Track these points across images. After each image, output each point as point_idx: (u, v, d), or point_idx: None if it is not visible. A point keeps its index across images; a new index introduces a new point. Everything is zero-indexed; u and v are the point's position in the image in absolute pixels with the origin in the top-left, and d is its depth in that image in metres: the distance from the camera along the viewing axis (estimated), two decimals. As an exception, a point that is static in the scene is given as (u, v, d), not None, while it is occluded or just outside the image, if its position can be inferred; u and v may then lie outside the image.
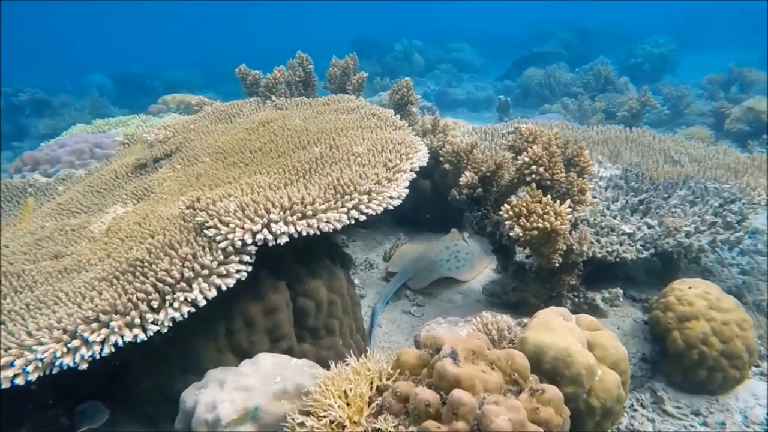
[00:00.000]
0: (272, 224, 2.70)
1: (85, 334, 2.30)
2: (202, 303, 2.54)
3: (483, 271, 4.88)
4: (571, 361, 2.54)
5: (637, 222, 4.29)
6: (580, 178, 3.46)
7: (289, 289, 3.10)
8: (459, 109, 14.42)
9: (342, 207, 2.93)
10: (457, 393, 1.99)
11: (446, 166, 4.14)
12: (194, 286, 2.53)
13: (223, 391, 2.45)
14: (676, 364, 3.48)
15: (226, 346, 2.93)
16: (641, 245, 4.01)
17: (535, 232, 3.09)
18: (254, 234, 2.69)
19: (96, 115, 12.78)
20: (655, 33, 16.52)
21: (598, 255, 3.83)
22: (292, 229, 2.73)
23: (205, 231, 2.76)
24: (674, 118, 10.20)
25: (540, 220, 3.08)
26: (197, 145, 4.46)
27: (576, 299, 3.82)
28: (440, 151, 4.32)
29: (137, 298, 2.47)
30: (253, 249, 2.72)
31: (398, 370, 2.37)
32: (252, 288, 2.95)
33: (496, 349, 2.32)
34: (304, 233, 2.77)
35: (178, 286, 2.52)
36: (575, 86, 12.76)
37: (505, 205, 3.29)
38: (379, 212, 3.04)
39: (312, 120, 4.42)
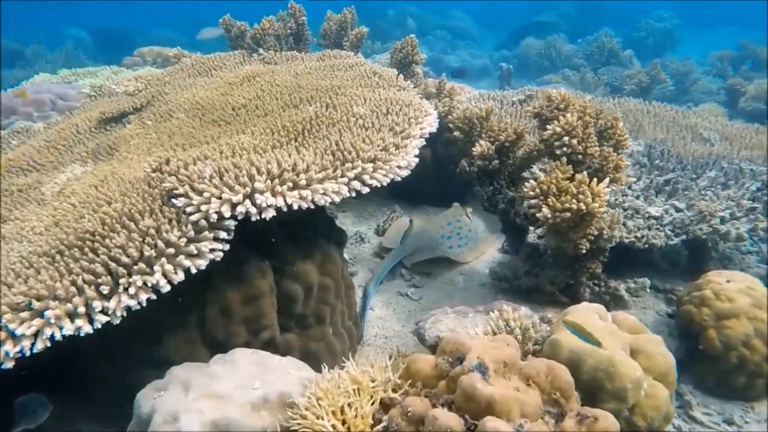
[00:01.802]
0: (256, 195, 2.19)
1: (12, 326, 1.80)
2: (166, 288, 2.05)
3: (487, 252, 4.43)
4: (615, 372, 2.11)
5: (663, 204, 3.86)
6: (615, 153, 2.99)
7: (275, 271, 2.62)
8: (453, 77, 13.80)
9: (342, 177, 2.43)
10: (492, 424, 1.54)
11: (456, 133, 3.65)
12: (156, 267, 2.03)
13: (188, 398, 1.97)
14: (710, 366, 3.08)
15: (198, 337, 2.45)
16: (670, 230, 3.58)
17: (567, 214, 2.63)
18: (234, 206, 2.18)
19: (69, 68, 11.93)
20: (659, 7, 15.94)
21: (626, 240, 3.40)
22: (280, 202, 2.23)
23: (174, 200, 2.25)
24: (680, 95, 9.75)
25: (574, 200, 2.61)
26: (172, 99, 3.88)
27: (597, 288, 3.39)
28: (450, 117, 3.82)
29: (83, 281, 1.96)
30: (231, 224, 2.22)
31: (408, 381, 1.91)
32: (230, 270, 2.46)
33: (533, 360, 1.87)
34: (295, 206, 2.27)
35: (135, 267, 2.02)
36: (577, 58, 12.21)
37: (531, 181, 2.82)
38: (384, 183, 2.54)
39: (304, 76, 3.86)
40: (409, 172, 2.72)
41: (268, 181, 2.23)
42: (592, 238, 2.88)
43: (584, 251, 2.97)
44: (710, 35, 18.39)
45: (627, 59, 11.35)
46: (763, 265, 4.43)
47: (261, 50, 4.60)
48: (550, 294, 3.47)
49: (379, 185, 2.52)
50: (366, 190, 2.48)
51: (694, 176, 4.14)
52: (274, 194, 2.24)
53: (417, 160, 2.80)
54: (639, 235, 3.38)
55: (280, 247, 2.64)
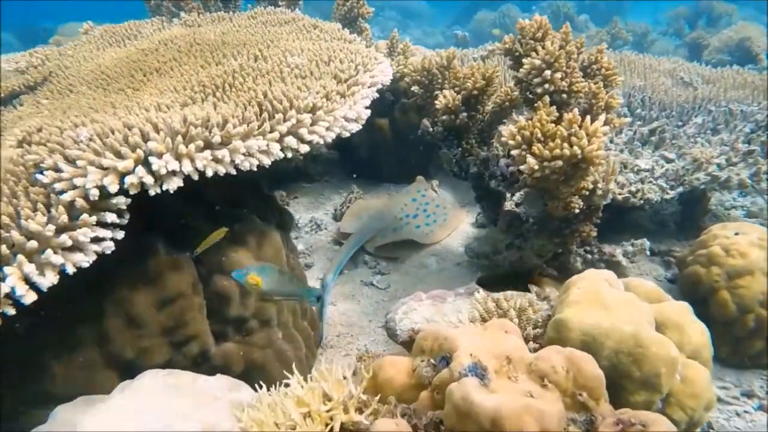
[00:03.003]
0: (153, 159, 1.60)
1: None
2: (29, 299, 1.45)
3: (459, 228, 3.93)
4: (643, 354, 1.62)
5: (651, 156, 3.43)
6: (605, 91, 2.50)
7: (199, 264, 2.04)
8: (407, 56, 13.26)
9: (271, 131, 1.86)
10: (506, 456, 1.01)
11: (415, 88, 3.11)
12: (9, 270, 1.43)
13: (72, 450, 1.39)
14: (723, 333, 2.63)
15: (99, 358, 1.85)
16: (664, 183, 3.14)
17: (559, 162, 2.12)
18: (121, 175, 1.59)
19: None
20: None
21: (619, 197, 2.93)
22: (187, 167, 1.65)
23: (39, 176, 1.64)
24: (639, 56, 9.47)
25: (565, 144, 2.11)
26: (73, 73, 3.22)
27: (590, 256, 2.92)
28: (405, 70, 3.27)
29: None
30: (122, 201, 1.63)
31: (378, 396, 1.37)
32: (135, 266, 1.87)
33: (546, 351, 1.36)
34: (209, 173, 1.70)
35: (-24, 272, 1.41)
36: (531, 27, 11.79)
37: (509, 127, 2.31)
38: (329, 140, 1.99)
39: (232, 34, 3.25)
40: (361, 127, 2.18)
41: (168, 139, 1.64)
42: (587, 193, 2.39)
43: (577, 211, 2.48)
44: (659, 3, 18.39)
45: (583, 24, 11.03)
46: (749, 219, 4.07)
47: (183, 13, 3.95)
48: (537, 268, 2.98)
49: (321, 141, 1.96)
50: (305, 148, 1.92)
51: (680, 123, 3.73)
52: (178, 157, 1.65)
53: (368, 112, 2.25)
54: (633, 189, 2.92)
55: (203, 232, 2.05)
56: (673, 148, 3.46)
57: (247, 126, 1.80)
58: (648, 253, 2.95)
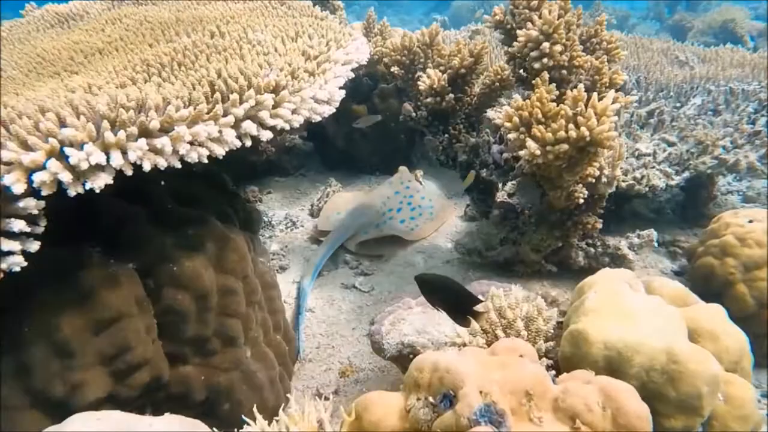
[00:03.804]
0: (71, 150, 1.27)
1: None
2: None
3: (447, 221, 3.65)
4: (679, 371, 1.35)
5: (650, 139, 3.18)
6: (608, 65, 2.23)
7: (145, 275, 1.71)
8: (384, 45, 12.94)
9: (225, 115, 1.53)
10: None
11: (395, 69, 2.80)
12: None
13: None
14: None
15: (21, 396, 1.52)
16: (668, 168, 2.89)
17: (564, 146, 1.84)
18: (29, 171, 1.25)
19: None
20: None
21: (623, 184, 2.67)
22: (118, 160, 1.32)
23: (-73, 175, 1.29)
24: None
25: (571, 125, 1.82)
26: (5, 56, 2.84)
27: (593, 250, 2.66)
28: (384, 49, 2.95)
29: None
30: (32, 205, 1.29)
31: (362, 446, 1.07)
32: (63, 283, 1.54)
33: (575, 385, 1.07)
34: (147, 166, 1.37)
35: None
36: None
37: (505, 108, 2.01)
38: (296, 125, 1.67)
39: (189, 11, 2.90)
40: (334, 110, 1.86)
41: (91, 126, 1.31)
42: (593, 180, 2.12)
43: (581, 201, 2.21)
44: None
45: (562, 9, 10.80)
46: (747, 204, 3.86)
47: (135, -7, 3.57)
48: (535, 264, 2.72)
49: (287, 127, 1.64)
50: (267, 135, 1.60)
51: (679, 104, 3.48)
52: (105, 147, 1.32)
53: (342, 93, 1.94)
54: (638, 175, 2.66)
55: (150, 238, 1.72)
56: (674, 130, 3.21)
57: (194, 109, 1.48)
58: (656, 244, 2.69)
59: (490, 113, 2.89)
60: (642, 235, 2.62)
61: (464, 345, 1.62)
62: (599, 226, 2.39)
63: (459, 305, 1.47)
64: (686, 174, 2.83)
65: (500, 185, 2.83)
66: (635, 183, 2.66)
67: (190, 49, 2.02)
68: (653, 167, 2.84)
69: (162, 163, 1.39)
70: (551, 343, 1.58)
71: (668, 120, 3.27)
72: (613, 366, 1.39)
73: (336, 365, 2.44)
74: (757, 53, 4.09)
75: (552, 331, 1.60)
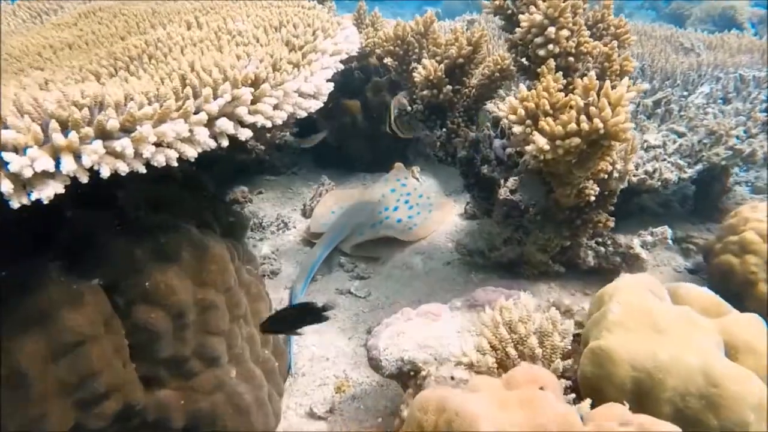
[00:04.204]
0: (9, 155, 1.09)
1: None
2: None
3: (446, 220, 3.47)
4: (720, 396, 1.18)
5: (658, 129, 3.01)
6: (618, 52, 2.06)
7: (113, 291, 1.54)
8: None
9: (197, 112, 1.36)
10: None
11: (388, 60, 2.62)
12: None
13: None
14: (763, 333, 2.23)
15: (-28, 433, 1.35)
16: (680, 160, 2.72)
17: (575, 140, 1.67)
18: (-39, 182, 1.07)
19: None
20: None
21: (634, 179, 2.50)
22: (70, 165, 1.14)
23: None
24: (617, 31, 9.09)
25: (582, 117, 1.65)
26: (-29, 55, 2.65)
27: (602, 248, 2.49)
28: (376, 40, 2.78)
29: None
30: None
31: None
32: (16, 303, 1.36)
33: (610, 421, 0.90)
34: (105, 172, 1.19)
35: None
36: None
37: (509, 99, 1.84)
38: (279, 121, 1.50)
39: (167, 3, 2.72)
40: (322, 104, 1.69)
41: (36, 127, 1.13)
42: (606, 176, 1.95)
43: (592, 198, 2.04)
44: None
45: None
46: (755, 195, 3.70)
47: (112, -14, 3.38)
48: (541, 264, 2.55)
49: (269, 124, 1.47)
50: (246, 133, 1.43)
51: (686, 93, 3.31)
52: (54, 151, 1.14)
53: (331, 86, 1.76)
54: (649, 169, 2.49)
55: (116, 249, 1.55)
56: (682, 120, 3.04)
57: (161, 106, 1.30)
58: (671, 242, 2.52)
59: (490, 105, 2.73)
60: (655, 232, 2.46)
61: (471, 365, 1.46)
62: (611, 224, 2.23)
63: (308, 315, 1.63)
64: (699, 166, 2.67)
65: (502, 182, 2.66)
66: (647, 177, 2.49)
67: (164, 41, 1.85)
68: (664, 160, 2.68)
69: (123, 168, 1.21)
70: (569, 362, 1.41)
71: (676, 110, 3.10)
72: (643, 389, 1.22)
73: (331, 379, 2.27)
74: (763, 39, 3.92)
75: (570, 346, 1.44)
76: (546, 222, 2.35)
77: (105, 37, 2.23)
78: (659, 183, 2.53)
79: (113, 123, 1.20)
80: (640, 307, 1.36)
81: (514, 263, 2.63)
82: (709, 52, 3.58)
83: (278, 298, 2.78)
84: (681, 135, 2.92)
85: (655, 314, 1.34)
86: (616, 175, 2.12)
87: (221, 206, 2.08)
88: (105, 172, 1.19)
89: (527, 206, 2.53)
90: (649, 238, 2.46)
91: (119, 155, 1.21)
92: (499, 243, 2.62)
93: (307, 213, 3.68)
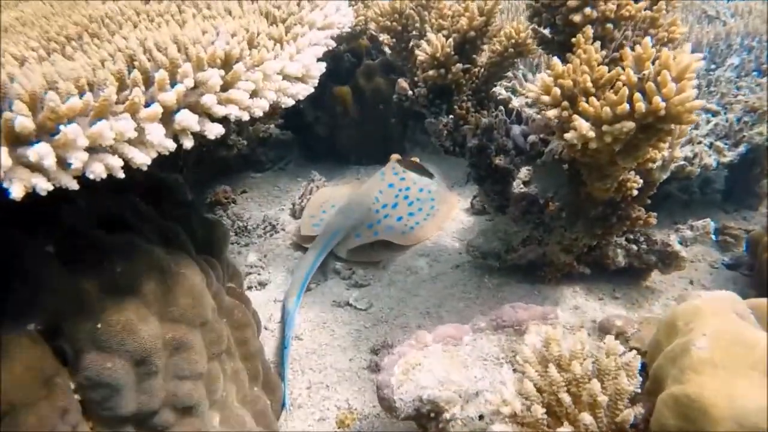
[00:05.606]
0: None
1: None
2: None
3: (452, 217, 3.16)
4: None
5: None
6: (664, 14, 1.73)
7: (55, 337, 1.20)
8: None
9: (148, 105, 1.01)
10: None
11: (384, 37, 2.28)
12: None
13: None
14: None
15: None
16: (718, 142, 2.42)
17: (629, 124, 1.34)
18: None
19: None
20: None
21: (672, 166, 2.19)
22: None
23: None
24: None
25: (637, 95, 1.33)
26: None
27: (634, 246, 2.18)
28: (369, 13, 2.43)
29: None
30: None
31: None
32: None
33: None
34: (17, 192, 0.85)
35: None
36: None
37: (541, 76, 1.51)
38: (259, 113, 1.16)
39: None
40: (312, 89, 1.35)
41: None
42: (654, 166, 1.63)
43: (636, 192, 1.73)
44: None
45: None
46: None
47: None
48: (565, 266, 2.24)
49: (245, 117, 1.13)
50: (216, 130, 1.09)
51: (713, 66, 3.01)
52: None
53: (322, 67, 1.42)
54: (689, 154, 2.18)
55: (56, 283, 1.21)
56: (712, 96, 2.73)
57: (101, 101, 0.96)
58: (714, 237, 2.22)
59: (500, 88, 2.41)
60: (696, 226, 2.16)
61: (513, 415, 1.14)
62: (654, 221, 1.92)
63: None
64: (741, 148, 2.36)
65: (515, 173, 2.34)
66: (687, 164, 2.18)
67: (112, 17, 1.49)
68: (699, 142, 2.37)
69: (43, 186, 0.87)
70: (640, 410, 1.10)
71: (704, 84, 2.80)
72: (757, 458, 0.92)
73: (332, 411, 1.96)
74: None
75: (639, 390, 1.13)
76: (574, 218, 2.04)
77: (46, 17, 1.86)
78: (699, 169, 2.22)
79: (25, 123, 0.86)
80: (735, 339, 1.06)
81: (534, 265, 2.32)
82: (738, 20, 3.26)
83: (267, 313, 2.46)
84: (715, 113, 2.61)
85: (755, 347, 1.03)
86: (659, 163, 1.81)
87: (196, 216, 1.74)
88: (16, 192, 0.85)
89: (547, 201, 2.21)
90: (688, 233, 2.16)
91: (36, 168, 0.87)
92: (516, 243, 2.30)
93: (296, 213, 3.35)
